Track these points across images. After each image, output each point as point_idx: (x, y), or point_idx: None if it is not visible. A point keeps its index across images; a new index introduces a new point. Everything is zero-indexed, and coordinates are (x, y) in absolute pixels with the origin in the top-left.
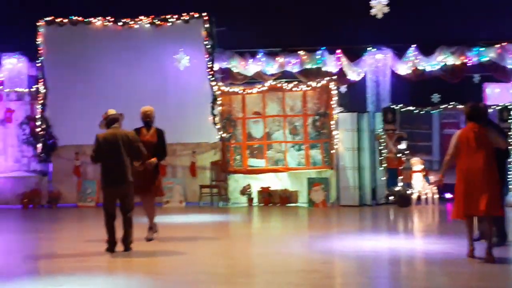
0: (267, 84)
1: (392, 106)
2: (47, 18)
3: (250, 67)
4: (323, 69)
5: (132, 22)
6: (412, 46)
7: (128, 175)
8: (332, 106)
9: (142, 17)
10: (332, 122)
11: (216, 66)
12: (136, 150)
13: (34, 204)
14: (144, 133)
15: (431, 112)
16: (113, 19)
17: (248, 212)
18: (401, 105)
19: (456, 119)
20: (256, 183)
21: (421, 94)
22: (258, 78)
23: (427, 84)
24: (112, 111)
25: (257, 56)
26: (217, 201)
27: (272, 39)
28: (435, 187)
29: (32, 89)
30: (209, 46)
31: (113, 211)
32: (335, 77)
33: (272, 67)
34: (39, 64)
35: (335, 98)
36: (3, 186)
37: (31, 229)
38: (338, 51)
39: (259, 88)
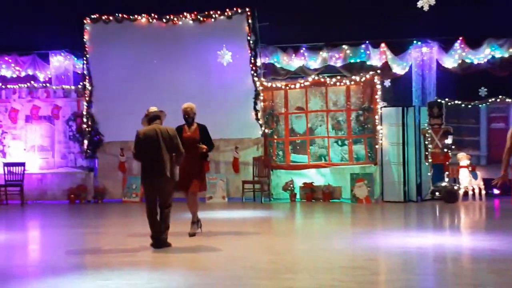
0: (310, 78)
1: (438, 100)
2: (93, 16)
3: (293, 62)
4: (367, 63)
5: (176, 19)
6: (459, 39)
7: (166, 171)
8: (376, 100)
9: (185, 14)
10: (376, 117)
11: (259, 62)
12: (175, 146)
13: (81, 199)
14: (186, 130)
15: (479, 106)
16: (157, 16)
17: (290, 208)
18: (447, 99)
19: (504, 113)
20: (299, 178)
21: (468, 87)
22: (301, 73)
23: (474, 78)
24: (153, 109)
25: (300, 51)
26: (259, 197)
27: (316, 34)
28: (498, 185)
29: (78, 86)
30: (252, 41)
31: (154, 206)
32: (379, 71)
33: (315, 62)
34: (85, 62)
35: (379, 93)
36: (50, 182)
37: (78, 224)
38: (383, 44)
39: (301, 83)
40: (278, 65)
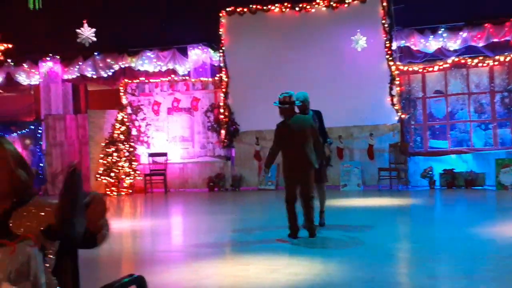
0: (449, 60)
1: None
2: (228, 9)
3: (430, 44)
4: None
5: (309, 7)
6: None
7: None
8: None
9: (318, 1)
10: None
11: (394, 45)
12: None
13: (219, 187)
14: None
15: None
16: (290, 5)
17: (430, 195)
18: None
19: None
20: (438, 165)
21: None
22: (439, 55)
23: None
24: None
25: (438, 32)
26: (396, 185)
27: (455, 13)
28: None
29: (215, 78)
30: (387, 25)
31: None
32: None
33: (454, 43)
34: (221, 54)
35: None
36: (191, 171)
37: (218, 211)
38: None
39: (440, 65)
40: (414, 48)
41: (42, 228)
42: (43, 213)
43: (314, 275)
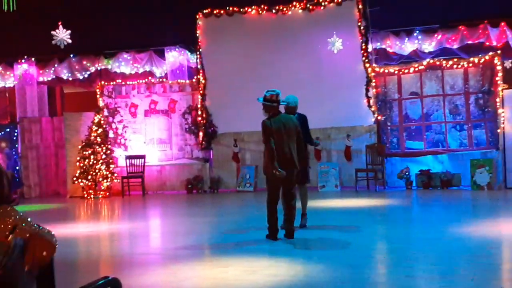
0: (425, 62)
1: None
2: (205, 11)
3: (406, 46)
4: (486, 43)
5: (285, 9)
6: None
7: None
8: (497, 82)
9: (295, 3)
10: (497, 100)
11: (370, 47)
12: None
13: (198, 189)
14: None
15: None
16: (266, 7)
17: (406, 196)
18: None
19: None
20: (415, 166)
21: None
22: (414, 57)
23: None
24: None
25: (414, 34)
26: (373, 185)
27: (430, 15)
28: None
29: (192, 80)
30: (362, 27)
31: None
32: (499, 51)
33: (429, 45)
34: (199, 56)
35: (500, 74)
36: (169, 173)
37: (196, 213)
38: (503, 23)
39: (416, 67)
40: (390, 50)
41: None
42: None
43: (293, 276)
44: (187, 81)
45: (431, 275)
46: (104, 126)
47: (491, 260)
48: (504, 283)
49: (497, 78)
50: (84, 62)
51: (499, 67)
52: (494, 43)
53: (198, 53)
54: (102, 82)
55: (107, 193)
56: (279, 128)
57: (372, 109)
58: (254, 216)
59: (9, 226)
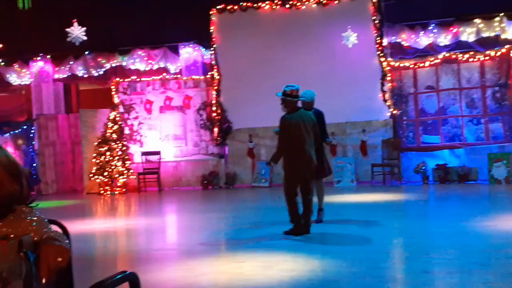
0: (440, 56)
1: None
2: (219, 6)
3: (421, 39)
4: (502, 36)
5: (299, 4)
6: None
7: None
8: None
9: None
10: None
11: (385, 41)
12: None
13: (213, 185)
14: None
15: None
16: (280, 2)
17: (423, 190)
18: None
19: None
20: (431, 160)
21: None
22: (430, 50)
23: None
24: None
25: (429, 28)
26: (390, 180)
27: (445, 8)
28: None
29: (207, 76)
30: (377, 21)
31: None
32: None
33: (445, 38)
34: (213, 52)
35: None
36: (184, 169)
37: (212, 209)
38: None
39: (431, 61)
40: (405, 44)
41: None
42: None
43: (309, 271)
44: (202, 77)
45: (449, 270)
46: (119, 122)
47: (510, 255)
48: None
49: None
50: (99, 59)
51: None
52: (510, 36)
53: (212, 49)
54: (117, 79)
55: (123, 189)
56: (298, 124)
57: (388, 103)
58: (269, 212)
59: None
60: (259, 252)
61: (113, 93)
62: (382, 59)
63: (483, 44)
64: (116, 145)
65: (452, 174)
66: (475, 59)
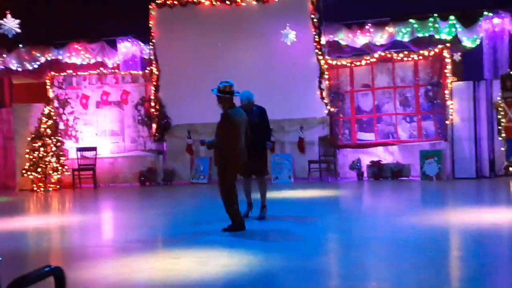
0: (376, 55)
1: (511, 73)
2: (158, 1)
3: (358, 38)
4: (436, 37)
5: (239, 0)
6: None
7: None
8: (446, 75)
9: None
10: (446, 92)
11: (323, 40)
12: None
13: (151, 181)
14: None
15: None
16: None
17: (358, 186)
18: None
19: None
20: (366, 157)
21: None
22: (366, 49)
23: None
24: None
25: (366, 27)
26: (326, 176)
27: (381, 9)
28: None
29: (145, 71)
30: (316, 19)
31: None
32: (448, 44)
33: (381, 38)
34: (152, 47)
35: (448, 67)
36: (121, 165)
37: (149, 206)
38: (452, 17)
39: (367, 60)
40: (342, 43)
41: None
42: None
43: (245, 266)
44: (140, 72)
45: (380, 264)
46: (54, 117)
47: (439, 248)
48: (451, 269)
49: (446, 71)
50: (34, 52)
51: (448, 60)
52: (443, 36)
53: (151, 44)
54: (52, 73)
55: (58, 186)
56: (238, 121)
57: (325, 101)
58: (207, 208)
59: None
60: (196, 248)
61: (48, 87)
62: (320, 57)
63: (418, 44)
64: (50, 141)
65: (385, 171)
66: (410, 59)
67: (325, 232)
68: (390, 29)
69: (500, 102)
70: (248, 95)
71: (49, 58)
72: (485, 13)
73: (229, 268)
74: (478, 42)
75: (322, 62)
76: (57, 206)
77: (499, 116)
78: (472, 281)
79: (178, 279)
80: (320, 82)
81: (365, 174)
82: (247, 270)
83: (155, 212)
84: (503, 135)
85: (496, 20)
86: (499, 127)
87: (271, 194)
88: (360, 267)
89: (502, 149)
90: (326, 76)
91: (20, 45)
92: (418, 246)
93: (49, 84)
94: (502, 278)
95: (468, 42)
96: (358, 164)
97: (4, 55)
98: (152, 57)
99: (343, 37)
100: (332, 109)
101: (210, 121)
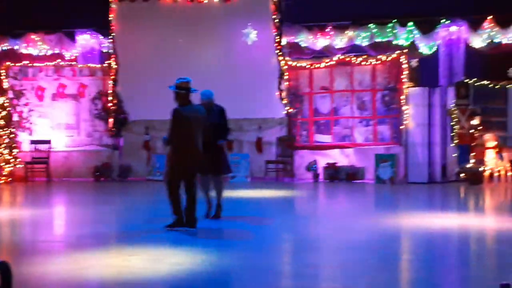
0: (335, 58)
1: (465, 81)
2: None
3: (318, 41)
4: (394, 42)
5: None
6: (488, 18)
7: None
8: (402, 80)
9: None
10: (402, 97)
11: (284, 41)
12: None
13: (106, 177)
14: None
15: (506, 86)
16: None
17: (313, 188)
18: (475, 79)
19: None
20: (322, 159)
21: (497, 68)
22: (326, 52)
23: (503, 58)
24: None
25: (326, 30)
26: (282, 177)
27: (342, 12)
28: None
29: (104, 65)
30: (277, 20)
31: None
32: (406, 50)
33: (341, 41)
34: (111, 40)
35: (405, 72)
36: (76, 159)
37: (103, 201)
38: (410, 23)
39: (327, 62)
40: (303, 44)
41: None
42: None
43: (198, 264)
44: (99, 66)
45: (332, 264)
46: (8, 108)
47: (389, 251)
48: (402, 271)
49: (402, 76)
50: None
51: (405, 66)
52: (401, 42)
53: (111, 37)
54: (8, 63)
55: (9, 179)
56: (188, 117)
57: (284, 102)
58: (162, 205)
59: None
60: (149, 246)
61: (3, 77)
62: (280, 58)
63: (376, 48)
64: (3, 132)
65: (341, 173)
66: (368, 63)
67: (279, 232)
68: (349, 33)
69: (454, 109)
70: (208, 93)
71: (5, 48)
72: (443, 20)
73: (182, 267)
74: (435, 49)
75: (282, 63)
76: (8, 199)
77: (453, 123)
78: (422, 283)
79: (130, 276)
80: (279, 83)
81: (321, 176)
82: (201, 268)
83: (108, 208)
84: (456, 141)
85: (453, 28)
86: (452, 134)
87: (227, 193)
88: (312, 267)
89: (454, 155)
90: (286, 77)
91: None
92: (370, 248)
93: (4, 74)
94: (450, 281)
95: (425, 49)
96: (315, 166)
97: None
98: (111, 51)
99: (304, 39)
100: (290, 110)
101: (168, 117)
